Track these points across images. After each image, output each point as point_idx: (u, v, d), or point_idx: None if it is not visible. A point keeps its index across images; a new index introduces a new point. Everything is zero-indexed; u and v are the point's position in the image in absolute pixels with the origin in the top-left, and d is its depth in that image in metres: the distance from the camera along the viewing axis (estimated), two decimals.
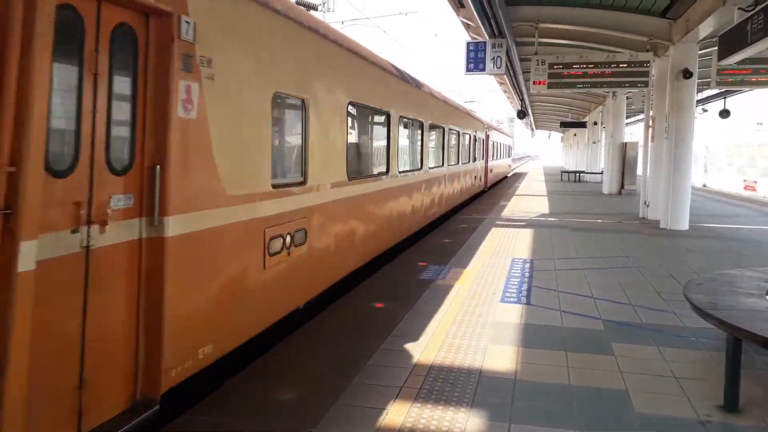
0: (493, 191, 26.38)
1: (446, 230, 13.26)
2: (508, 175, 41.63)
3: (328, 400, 4.28)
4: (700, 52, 14.23)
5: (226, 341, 4.51)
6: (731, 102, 24.31)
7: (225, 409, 4.14)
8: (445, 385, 4.58)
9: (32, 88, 2.71)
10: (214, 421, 3.95)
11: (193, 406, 4.17)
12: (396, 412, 4.10)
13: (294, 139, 5.97)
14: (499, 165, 32.72)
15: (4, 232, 2.65)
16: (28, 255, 2.71)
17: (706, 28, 12.53)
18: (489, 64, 14.85)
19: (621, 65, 14.88)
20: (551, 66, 15.20)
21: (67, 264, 3.12)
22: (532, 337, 5.74)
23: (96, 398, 3.38)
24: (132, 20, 3.57)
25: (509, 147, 41.88)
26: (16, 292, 2.65)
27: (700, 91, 21.26)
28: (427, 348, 5.39)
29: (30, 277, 2.73)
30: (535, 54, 15.27)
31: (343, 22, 25.89)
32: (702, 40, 13.69)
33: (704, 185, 34.06)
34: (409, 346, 5.42)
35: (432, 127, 12.83)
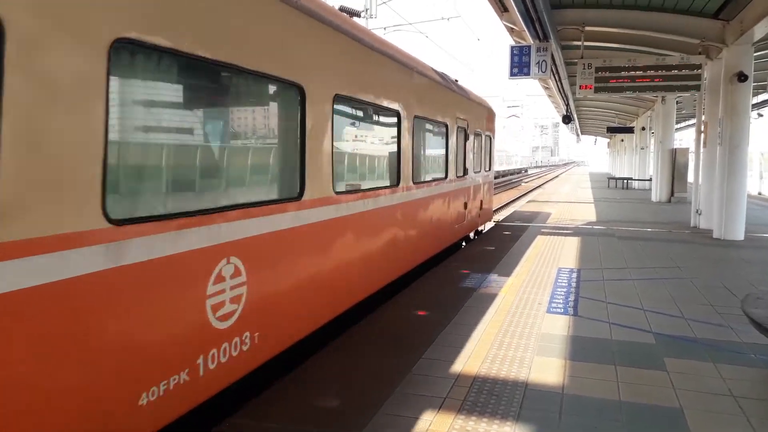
0: (540, 192, 22.49)
1: (490, 238, 13.09)
2: (481, 228, 14.98)
3: (371, 409, 4.23)
4: (755, 54, 13.69)
5: None
6: None
7: (268, 415, 4.13)
8: (490, 397, 4.47)
9: None
10: (258, 427, 3.95)
11: (236, 411, 4.19)
12: (439, 424, 4.02)
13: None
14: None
15: None
16: None
17: (762, 29, 12.07)
18: (533, 68, 14.65)
19: (671, 69, 14.46)
20: (598, 70, 14.89)
21: None
22: (579, 349, 5.57)
23: None
24: None
25: (469, 140, 12.07)
26: None
27: (755, 94, 20.47)
28: (471, 358, 5.29)
29: None
30: (581, 58, 14.99)
31: (385, 29, 25.95)
32: (757, 41, 13.18)
33: (759, 193, 32.75)
34: (453, 356, 5.34)
35: None
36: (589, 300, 7.45)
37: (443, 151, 10.30)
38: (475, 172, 12.83)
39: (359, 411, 4.20)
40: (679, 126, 33.00)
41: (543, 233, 13.83)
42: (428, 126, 9.57)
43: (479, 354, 5.41)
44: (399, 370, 4.97)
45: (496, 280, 8.58)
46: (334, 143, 5.74)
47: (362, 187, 6.83)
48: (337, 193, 5.81)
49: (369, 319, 6.50)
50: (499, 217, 20.46)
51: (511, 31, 15.37)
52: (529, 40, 14.31)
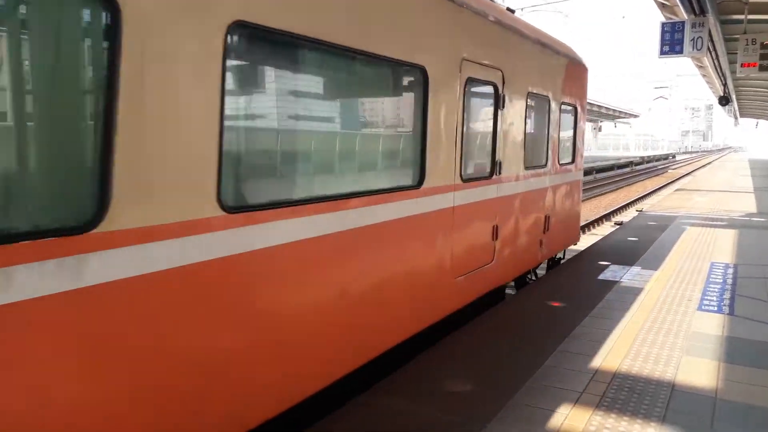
0: (689, 180, 20.77)
1: (632, 227, 12.34)
2: (560, 256, 9.50)
3: (503, 397, 4.19)
4: None
5: None
6: None
7: (401, 394, 4.24)
8: (632, 395, 4.25)
9: None
10: (391, 405, 4.06)
11: (368, 388, 4.34)
12: (576, 418, 3.89)
13: None
14: None
15: None
16: None
17: None
18: (687, 46, 13.51)
19: None
20: (764, 46, 13.41)
21: None
22: (736, 352, 5.11)
23: None
24: None
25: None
26: None
27: None
28: (611, 353, 5.05)
29: None
30: (744, 33, 13.59)
31: (522, 9, 25.18)
32: None
33: None
34: (590, 350, 5.12)
35: None
36: (747, 299, 6.79)
37: (417, 129, 4.95)
38: (527, 168, 7.18)
39: (490, 398, 4.17)
40: None
41: (693, 224, 12.77)
42: (367, 68, 4.58)
43: (620, 349, 5.15)
44: (532, 361, 4.87)
45: (640, 273, 8.08)
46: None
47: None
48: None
49: (501, 306, 6.42)
50: (643, 206, 19.20)
51: (662, 6, 14.26)
52: (683, 15, 13.20)
